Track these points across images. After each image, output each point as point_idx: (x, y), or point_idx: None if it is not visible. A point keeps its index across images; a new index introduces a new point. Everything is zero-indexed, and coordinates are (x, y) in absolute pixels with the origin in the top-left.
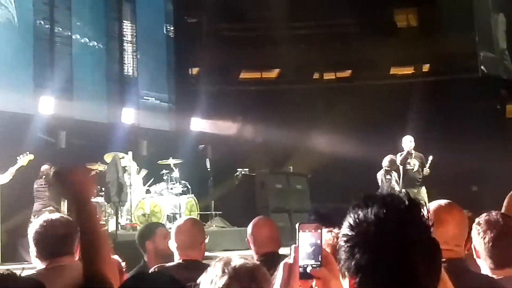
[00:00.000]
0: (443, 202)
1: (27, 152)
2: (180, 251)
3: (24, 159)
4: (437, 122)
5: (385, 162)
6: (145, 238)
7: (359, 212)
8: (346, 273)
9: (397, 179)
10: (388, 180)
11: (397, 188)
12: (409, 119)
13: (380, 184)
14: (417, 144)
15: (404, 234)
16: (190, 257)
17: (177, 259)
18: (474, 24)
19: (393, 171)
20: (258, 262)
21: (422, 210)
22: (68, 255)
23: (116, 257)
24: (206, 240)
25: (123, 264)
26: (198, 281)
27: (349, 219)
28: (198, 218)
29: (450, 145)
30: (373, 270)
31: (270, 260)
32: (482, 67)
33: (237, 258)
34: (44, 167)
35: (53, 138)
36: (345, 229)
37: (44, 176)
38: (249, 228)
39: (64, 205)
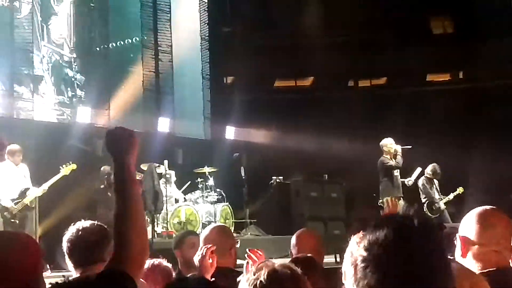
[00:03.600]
0: (488, 207)
1: (70, 162)
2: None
3: (66, 169)
4: (475, 129)
5: (428, 169)
6: (175, 247)
7: (374, 233)
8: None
9: (438, 187)
10: (428, 188)
11: (437, 196)
12: (445, 127)
13: (421, 191)
14: (456, 152)
15: (406, 257)
16: (221, 264)
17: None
18: None
19: (434, 180)
20: (300, 270)
21: (435, 232)
22: (101, 262)
23: (168, 264)
24: (237, 246)
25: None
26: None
27: (365, 240)
28: (233, 226)
29: (488, 152)
30: None
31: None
32: None
33: (282, 267)
34: (106, 168)
35: (90, 147)
36: (360, 250)
37: (105, 176)
38: (293, 240)
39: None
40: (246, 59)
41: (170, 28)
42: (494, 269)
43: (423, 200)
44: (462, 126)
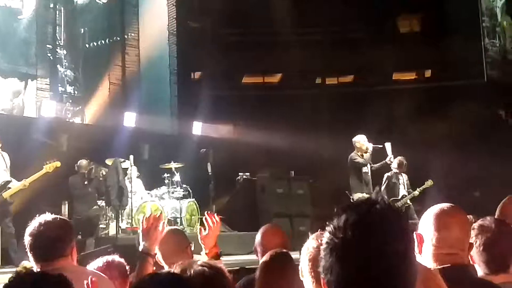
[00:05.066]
0: (446, 205)
1: (54, 159)
2: (166, 260)
3: (50, 166)
4: (440, 127)
5: (394, 164)
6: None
7: (338, 218)
8: (322, 275)
9: (406, 182)
10: (393, 183)
11: (402, 191)
12: (411, 125)
13: (383, 185)
14: (420, 150)
15: (366, 241)
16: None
17: (166, 269)
18: (481, 29)
19: (401, 174)
20: (220, 270)
21: (397, 217)
22: (62, 257)
23: (121, 260)
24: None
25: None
26: None
27: (330, 225)
28: (199, 222)
29: (453, 151)
30: (342, 276)
31: None
32: (488, 71)
33: (198, 265)
34: (83, 163)
35: (54, 141)
36: (326, 234)
37: (85, 172)
38: (258, 237)
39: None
40: (214, 54)
41: (138, 23)
42: (449, 265)
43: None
44: (426, 124)
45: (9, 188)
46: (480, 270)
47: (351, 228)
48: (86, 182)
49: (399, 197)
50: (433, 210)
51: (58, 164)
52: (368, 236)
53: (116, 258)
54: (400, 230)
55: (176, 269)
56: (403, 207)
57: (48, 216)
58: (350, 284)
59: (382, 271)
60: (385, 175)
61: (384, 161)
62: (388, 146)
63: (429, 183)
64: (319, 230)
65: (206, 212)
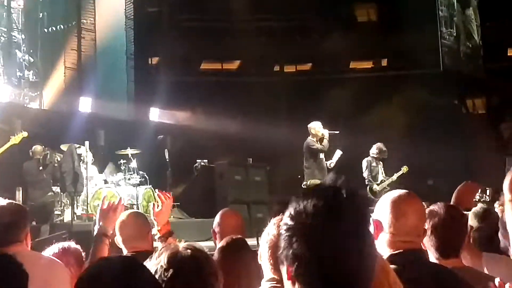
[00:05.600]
0: (402, 193)
1: (21, 130)
2: (127, 244)
3: (16, 138)
4: (395, 116)
5: (373, 149)
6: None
7: (300, 202)
8: (284, 261)
9: (382, 168)
10: (374, 168)
11: (381, 177)
12: (367, 113)
13: (364, 170)
14: (375, 138)
15: (335, 226)
16: (139, 249)
17: (125, 253)
18: (437, 19)
19: (380, 160)
20: (206, 253)
21: (362, 202)
22: (17, 243)
23: (77, 246)
24: (153, 231)
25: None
26: None
27: (290, 209)
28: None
29: (407, 139)
30: (307, 260)
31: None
32: (445, 61)
33: (184, 248)
34: (38, 148)
35: (8, 126)
36: (285, 219)
37: (40, 158)
38: (217, 219)
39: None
40: (172, 40)
41: (94, 7)
42: (401, 251)
43: (366, 179)
44: (380, 113)
45: None
46: (432, 255)
47: (319, 213)
48: (40, 168)
49: (379, 182)
50: (389, 197)
51: (25, 134)
52: (337, 220)
53: (72, 244)
54: (367, 213)
55: (163, 254)
56: (383, 192)
57: (2, 201)
58: (325, 273)
59: (355, 255)
60: (365, 160)
61: (331, 161)
62: (338, 153)
63: (404, 169)
64: (280, 214)
65: (157, 190)
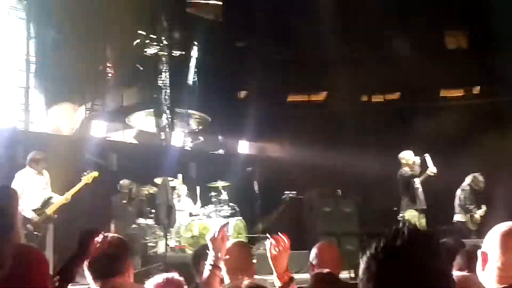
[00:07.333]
0: (509, 227)
1: (91, 170)
2: (231, 275)
3: (88, 177)
4: (491, 145)
5: (469, 179)
6: (201, 257)
7: (373, 246)
8: None
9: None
10: (466, 198)
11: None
12: (460, 143)
13: (457, 201)
14: (470, 167)
15: (394, 268)
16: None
17: (227, 282)
18: None
19: (474, 191)
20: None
21: (428, 240)
22: (119, 274)
23: (181, 278)
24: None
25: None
26: None
27: (366, 253)
28: (246, 241)
29: (504, 169)
30: None
31: None
32: None
33: (246, 286)
34: (125, 182)
35: (104, 160)
36: (363, 262)
37: (127, 191)
38: (314, 251)
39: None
40: (259, 73)
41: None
42: (506, 285)
43: (460, 210)
44: (475, 141)
45: (52, 203)
46: None
47: (381, 254)
48: (124, 201)
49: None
50: (499, 230)
51: (96, 174)
52: (396, 258)
53: (176, 275)
54: (429, 250)
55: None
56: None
57: (105, 235)
58: None
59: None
60: (457, 192)
61: (426, 173)
62: (428, 158)
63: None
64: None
65: (267, 235)
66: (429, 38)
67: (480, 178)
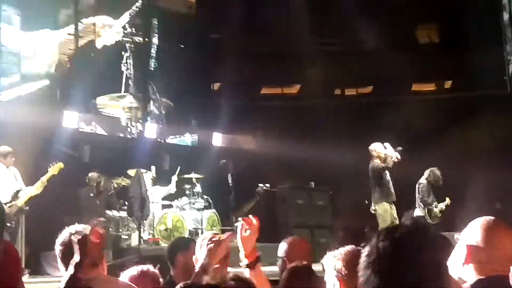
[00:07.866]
0: (494, 221)
1: (56, 161)
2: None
3: (54, 168)
4: (460, 139)
5: (426, 174)
6: (178, 250)
7: (374, 241)
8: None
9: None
10: (425, 192)
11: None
12: (431, 136)
13: (417, 195)
14: (440, 161)
15: (400, 262)
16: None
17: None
18: (503, 38)
19: (433, 185)
20: (251, 283)
21: (426, 232)
22: (95, 267)
23: (155, 271)
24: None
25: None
26: None
27: (367, 248)
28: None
29: (473, 162)
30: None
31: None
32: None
33: (229, 278)
34: (93, 175)
35: (77, 152)
36: (363, 256)
37: (95, 185)
38: (285, 247)
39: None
40: (233, 65)
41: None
42: (488, 276)
43: (420, 204)
44: (445, 136)
45: (21, 196)
46: None
47: (383, 246)
48: (91, 194)
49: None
50: (481, 223)
51: (61, 165)
52: (398, 249)
53: (151, 268)
54: (428, 242)
55: (208, 283)
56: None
57: (78, 226)
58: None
59: (414, 280)
60: (420, 184)
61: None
62: (387, 146)
63: (447, 201)
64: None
65: (239, 219)
66: (401, 32)
67: (437, 172)
